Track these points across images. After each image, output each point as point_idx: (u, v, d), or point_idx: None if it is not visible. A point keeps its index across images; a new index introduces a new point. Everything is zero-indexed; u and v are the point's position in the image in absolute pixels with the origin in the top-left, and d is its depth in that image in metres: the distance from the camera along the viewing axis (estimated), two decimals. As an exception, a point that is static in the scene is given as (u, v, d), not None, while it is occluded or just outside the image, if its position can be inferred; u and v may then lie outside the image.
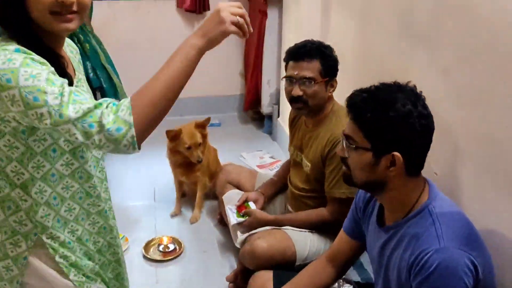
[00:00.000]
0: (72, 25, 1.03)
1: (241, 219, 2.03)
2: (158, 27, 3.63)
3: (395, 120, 1.15)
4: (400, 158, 1.16)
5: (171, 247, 2.27)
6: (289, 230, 1.90)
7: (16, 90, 0.95)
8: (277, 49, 3.29)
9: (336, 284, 1.53)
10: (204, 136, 2.44)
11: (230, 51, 3.79)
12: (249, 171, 2.42)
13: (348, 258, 1.58)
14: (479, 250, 1.16)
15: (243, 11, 1.06)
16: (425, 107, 1.18)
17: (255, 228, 1.95)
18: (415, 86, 1.20)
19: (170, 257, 2.21)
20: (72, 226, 1.17)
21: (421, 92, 1.20)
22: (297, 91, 1.81)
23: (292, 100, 1.85)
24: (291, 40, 2.98)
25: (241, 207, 2.10)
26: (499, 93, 1.30)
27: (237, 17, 1.03)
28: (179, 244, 2.29)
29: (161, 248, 2.27)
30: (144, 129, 0.95)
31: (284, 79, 1.87)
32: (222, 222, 2.42)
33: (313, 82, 1.79)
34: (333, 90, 1.86)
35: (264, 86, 3.40)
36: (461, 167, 1.46)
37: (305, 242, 1.87)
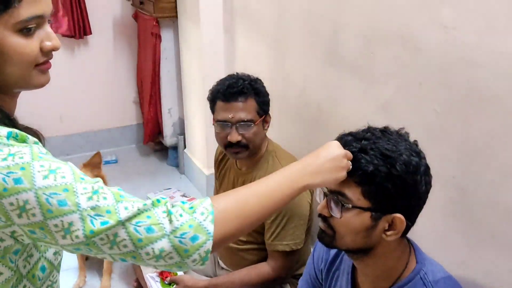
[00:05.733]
0: (49, 75, 0.82)
1: (168, 289, 1.71)
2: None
3: (402, 176, 0.95)
4: (402, 221, 0.98)
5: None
6: (228, 295, 1.63)
7: (31, 193, 0.67)
8: (176, 75, 2.99)
9: None
10: (101, 179, 2.02)
11: (120, 77, 3.39)
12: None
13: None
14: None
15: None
16: (425, 159, 1.01)
17: (186, 298, 1.65)
18: (408, 134, 1.02)
19: None
20: None
21: (416, 141, 1.02)
22: (235, 137, 1.56)
23: (229, 145, 1.59)
24: (191, 66, 2.72)
25: (165, 273, 1.78)
26: (455, 130, 1.20)
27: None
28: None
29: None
30: (220, 245, 0.75)
31: (216, 123, 1.60)
32: (140, 290, 2.05)
33: (252, 124, 1.56)
34: (268, 127, 1.66)
35: (165, 115, 3.08)
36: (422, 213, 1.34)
37: (249, 308, 1.62)
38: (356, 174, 0.97)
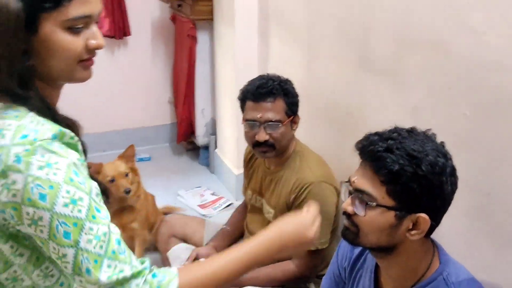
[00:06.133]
0: (91, 71, 0.88)
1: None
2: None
3: (428, 176, 0.96)
4: (427, 221, 0.99)
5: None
6: (251, 291, 1.67)
7: (47, 214, 0.74)
8: (210, 77, 3.06)
9: None
10: (134, 171, 2.12)
11: (157, 78, 3.50)
12: (196, 220, 2.15)
13: (329, 325, 1.39)
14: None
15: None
16: (452, 160, 1.02)
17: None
18: (435, 135, 1.04)
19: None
20: None
21: (443, 142, 1.03)
22: (262, 136, 1.60)
23: (256, 145, 1.63)
24: (225, 68, 2.78)
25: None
26: (482, 135, 1.20)
27: None
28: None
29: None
30: None
31: (245, 122, 1.65)
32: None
33: (280, 124, 1.59)
34: (296, 127, 1.69)
35: (198, 115, 3.16)
36: (447, 218, 1.34)
37: (272, 304, 1.66)
38: (381, 173, 0.99)
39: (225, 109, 2.88)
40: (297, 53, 2.12)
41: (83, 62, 0.85)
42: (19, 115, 0.79)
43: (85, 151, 0.88)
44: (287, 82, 1.66)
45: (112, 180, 2.01)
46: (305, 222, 1.02)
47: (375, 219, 1.01)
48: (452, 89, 1.27)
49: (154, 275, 0.83)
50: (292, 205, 1.64)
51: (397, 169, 0.97)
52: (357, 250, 1.26)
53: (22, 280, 0.85)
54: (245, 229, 1.88)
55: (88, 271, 0.77)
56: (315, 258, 1.63)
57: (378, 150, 1.00)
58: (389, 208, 1.00)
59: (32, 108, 0.80)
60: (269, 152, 1.65)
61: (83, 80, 0.87)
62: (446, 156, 1.01)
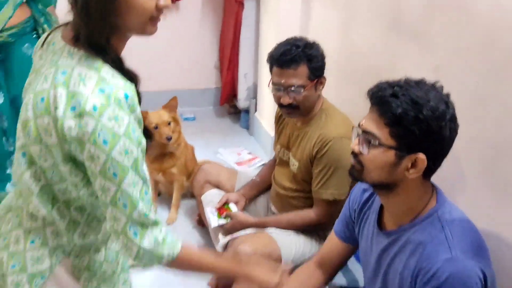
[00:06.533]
0: (157, 27, 1.01)
1: (223, 222, 1.94)
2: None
3: (428, 120, 1.06)
4: (424, 161, 1.09)
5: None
6: (273, 233, 1.83)
7: (104, 155, 0.91)
8: (255, 42, 3.19)
9: (324, 292, 1.48)
10: (175, 121, 2.31)
11: (205, 44, 3.67)
12: (229, 170, 2.32)
13: (338, 262, 1.52)
14: (487, 260, 1.11)
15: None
16: (454, 109, 1.11)
17: (238, 231, 1.87)
18: (442, 87, 1.12)
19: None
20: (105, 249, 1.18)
21: (448, 93, 1.12)
22: (286, 100, 1.72)
23: (282, 107, 1.76)
24: (268, 33, 2.89)
25: (222, 209, 2.01)
26: (495, 93, 1.26)
27: None
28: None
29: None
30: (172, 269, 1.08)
31: (271, 85, 1.77)
32: (200, 223, 2.32)
33: (302, 89, 1.70)
34: (322, 88, 1.79)
35: (241, 79, 3.30)
36: (457, 169, 1.42)
37: (290, 246, 1.80)
38: (386, 116, 1.10)
39: (266, 74, 2.99)
40: (335, 17, 2.20)
41: (153, 19, 0.99)
42: (98, 66, 0.94)
43: (140, 102, 1.04)
44: (312, 46, 1.73)
45: (156, 127, 2.21)
46: (271, 279, 1.23)
47: (377, 157, 1.12)
48: (471, 49, 1.33)
49: (167, 234, 1.03)
50: (314, 158, 1.76)
51: (400, 113, 1.07)
52: (366, 194, 1.38)
53: (70, 192, 1.04)
54: (273, 181, 2.02)
55: (124, 205, 0.95)
56: (332, 208, 1.75)
57: (384, 95, 1.10)
58: (390, 147, 1.10)
59: (107, 60, 0.96)
60: (293, 113, 1.77)
61: (151, 33, 1.01)
62: (447, 104, 1.09)
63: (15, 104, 2.28)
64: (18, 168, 1.04)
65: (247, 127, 3.46)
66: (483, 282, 1.07)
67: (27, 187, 1.03)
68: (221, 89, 3.56)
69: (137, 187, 0.95)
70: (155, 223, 1.00)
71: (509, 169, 1.23)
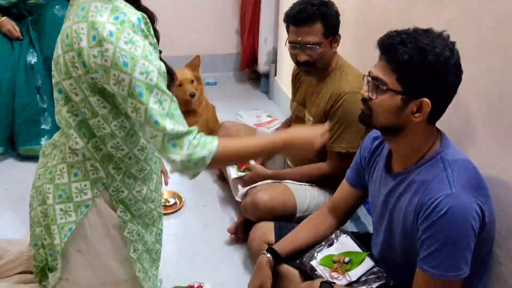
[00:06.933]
0: None
1: (242, 174, 2.06)
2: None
3: (433, 65, 1.13)
4: (428, 105, 1.16)
5: (172, 201, 2.30)
6: (289, 183, 1.94)
7: (128, 77, 1.01)
8: (275, 7, 3.23)
9: (333, 234, 1.58)
10: (197, 79, 2.42)
11: (226, 9, 3.73)
12: (248, 128, 2.43)
13: (348, 208, 1.62)
14: (486, 197, 1.19)
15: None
16: (459, 56, 1.17)
17: (256, 182, 1.99)
18: (448, 36, 1.19)
19: (170, 211, 2.24)
20: (139, 185, 1.28)
21: (454, 41, 1.18)
22: (302, 57, 1.80)
23: (299, 64, 1.84)
24: (289, -4, 2.93)
25: (241, 164, 2.12)
26: (503, 47, 1.31)
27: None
28: (180, 198, 2.32)
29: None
30: (210, 168, 1.20)
31: (288, 44, 1.85)
32: (221, 177, 2.45)
33: (318, 47, 1.78)
34: (337, 45, 1.86)
35: (261, 44, 3.37)
36: (462, 115, 1.49)
37: (305, 195, 1.91)
38: (393, 62, 1.17)
39: (285, 38, 3.05)
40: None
41: None
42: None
43: (158, 39, 1.14)
44: (327, 4, 1.80)
45: (180, 85, 2.33)
46: (314, 133, 1.28)
47: (385, 102, 1.21)
48: (480, 2, 1.38)
49: (201, 136, 1.12)
50: (328, 113, 1.84)
51: (406, 59, 1.15)
52: (376, 142, 1.47)
53: (103, 128, 1.16)
54: (290, 137, 2.12)
55: (156, 122, 1.05)
56: (345, 161, 1.83)
57: (393, 43, 1.17)
58: (397, 92, 1.19)
59: None
60: (310, 71, 1.85)
61: None
62: (452, 51, 1.16)
63: (47, 63, 2.42)
64: (57, 105, 1.16)
65: (267, 91, 3.54)
66: (481, 216, 1.16)
67: (66, 122, 1.15)
68: (241, 54, 3.64)
69: (164, 103, 1.05)
70: (189, 132, 1.10)
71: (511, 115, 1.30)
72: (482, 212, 1.16)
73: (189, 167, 1.10)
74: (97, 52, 1.02)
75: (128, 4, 1.07)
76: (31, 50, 2.41)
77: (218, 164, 1.17)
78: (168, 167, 1.24)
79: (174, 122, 1.07)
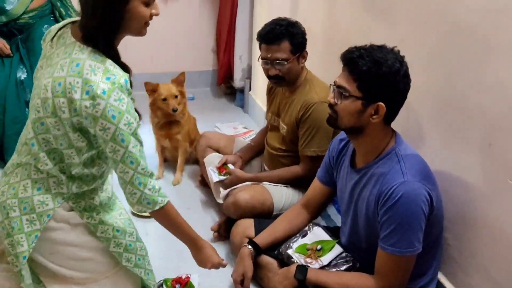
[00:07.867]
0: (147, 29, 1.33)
1: (223, 177, 2.24)
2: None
3: (386, 75, 1.36)
4: (384, 108, 1.39)
5: (157, 206, 2.45)
6: (266, 185, 2.13)
7: (114, 127, 1.21)
8: (249, 26, 3.47)
9: (307, 227, 1.78)
10: (182, 94, 2.59)
11: (203, 29, 3.95)
12: (228, 137, 2.63)
13: (320, 203, 1.83)
14: (434, 185, 1.43)
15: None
16: (407, 67, 1.40)
17: (236, 185, 2.17)
18: (399, 51, 1.42)
19: (156, 215, 2.39)
20: (97, 194, 1.45)
21: (403, 55, 1.42)
22: (273, 71, 2.02)
23: (270, 77, 2.06)
24: (262, 17, 3.18)
25: (221, 169, 2.30)
26: (446, 60, 1.57)
27: None
28: (164, 203, 2.47)
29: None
30: (153, 217, 1.43)
31: (260, 60, 2.07)
32: (203, 183, 2.62)
33: (286, 62, 2.00)
34: (305, 61, 2.08)
35: (237, 61, 3.59)
36: (414, 119, 1.73)
37: (281, 195, 2.11)
38: (354, 73, 1.41)
39: (259, 55, 3.28)
40: (321, 2, 2.49)
41: (146, 24, 1.30)
42: (102, 60, 1.24)
43: (131, 86, 1.33)
44: (294, 25, 2.03)
45: (165, 99, 2.51)
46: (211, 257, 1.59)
47: (348, 106, 1.43)
48: (428, 23, 1.64)
49: (160, 185, 1.35)
50: (300, 121, 2.06)
51: (365, 70, 1.38)
52: (342, 143, 1.69)
53: (73, 158, 1.31)
54: (265, 144, 2.33)
55: (131, 162, 1.27)
56: (316, 163, 2.02)
57: (353, 57, 1.41)
58: (357, 98, 1.42)
59: (109, 55, 1.25)
60: (280, 83, 2.08)
61: (143, 35, 1.32)
62: (402, 63, 1.40)
63: None
64: (30, 132, 1.31)
65: (242, 105, 3.75)
66: (430, 201, 1.39)
67: (39, 146, 1.30)
68: (218, 71, 3.85)
69: (137, 148, 1.28)
70: (152, 174, 1.32)
71: (454, 118, 1.55)
72: (431, 197, 1.39)
73: (142, 203, 1.32)
74: (89, 104, 1.20)
75: (115, 65, 1.26)
76: (21, 67, 2.55)
77: (158, 215, 1.39)
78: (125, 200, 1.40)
79: (143, 163, 1.29)
